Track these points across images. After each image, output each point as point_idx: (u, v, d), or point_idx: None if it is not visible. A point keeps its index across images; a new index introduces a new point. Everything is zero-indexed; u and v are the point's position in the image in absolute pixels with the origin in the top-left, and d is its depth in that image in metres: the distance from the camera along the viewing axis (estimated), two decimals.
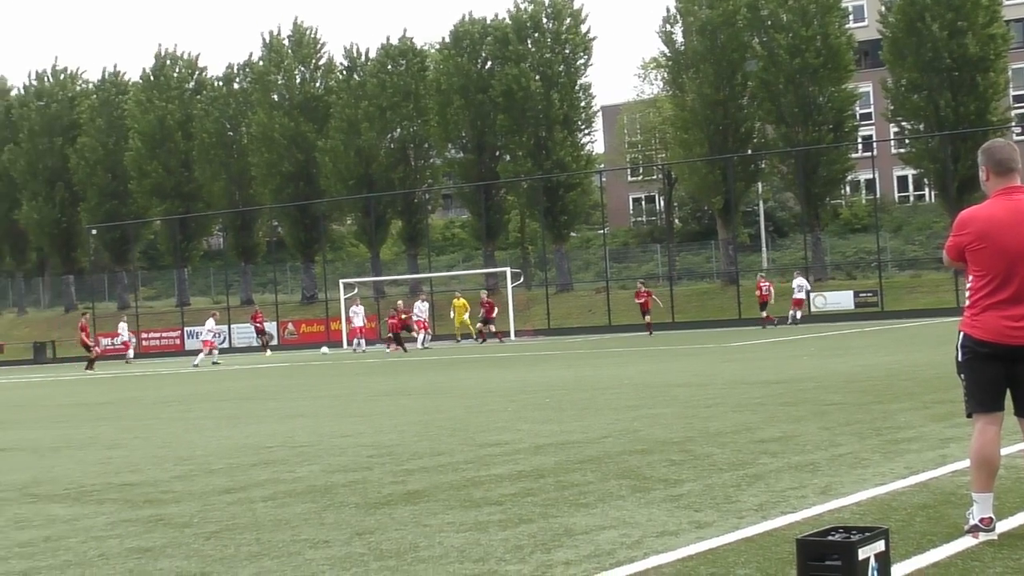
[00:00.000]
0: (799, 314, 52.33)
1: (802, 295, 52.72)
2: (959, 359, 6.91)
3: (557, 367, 28.80)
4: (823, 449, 10.79)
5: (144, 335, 71.15)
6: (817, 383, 18.43)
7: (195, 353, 50.44)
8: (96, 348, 51.51)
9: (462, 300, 53.72)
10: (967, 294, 6.91)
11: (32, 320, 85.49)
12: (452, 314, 53.95)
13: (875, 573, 5.46)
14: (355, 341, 52.83)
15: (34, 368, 60.96)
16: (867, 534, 5.56)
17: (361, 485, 10.17)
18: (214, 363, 46.12)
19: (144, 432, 16.87)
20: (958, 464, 9.13)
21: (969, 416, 6.97)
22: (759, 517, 7.68)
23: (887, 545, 5.63)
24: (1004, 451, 9.74)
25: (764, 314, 51.01)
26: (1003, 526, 6.94)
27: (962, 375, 6.93)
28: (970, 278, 6.88)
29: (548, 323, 61.41)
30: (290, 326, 69.06)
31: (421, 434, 14.17)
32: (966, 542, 6.62)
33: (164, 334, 72.29)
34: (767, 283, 52.25)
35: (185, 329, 70.02)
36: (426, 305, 52.12)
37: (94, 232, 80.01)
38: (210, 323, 47.70)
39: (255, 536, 8.02)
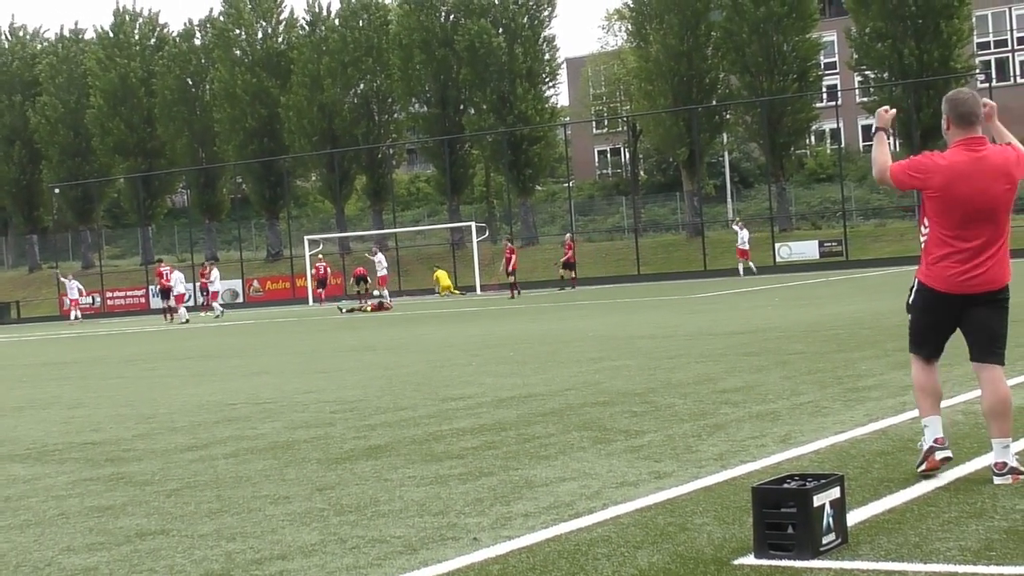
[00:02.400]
0: (752, 265, 52.11)
1: (745, 245, 52.51)
2: (911, 300, 7.11)
3: (522, 321, 28.83)
4: (784, 398, 10.85)
5: (109, 294, 70.76)
6: (780, 333, 18.51)
7: (160, 311, 50.39)
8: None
9: (442, 271, 57.86)
10: (922, 242, 6.99)
11: None
12: (436, 289, 56.44)
13: (830, 520, 5.49)
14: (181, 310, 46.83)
15: None
16: (822, 481, 5.59)
17: (323, 441, 10.17)
18: (216, 316, 46.88)
19: (108, 391, 16.81)
20: (917, 411, 9.16)
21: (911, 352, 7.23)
22: (718, 467, 7.72)
23: (843, 492, 5.67)
24: (961, 397, 9.88)
25: (570, 274, 51.21)
26: (958, 471, 7.01)
27: (911, 314, 7.17)
28: (926, 225, 6.95)
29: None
30: (255, 283, 68.84)
31: (384, 389, 14.17)
32: (922, 488, 6.66)
33: (129, 293, 71.88)
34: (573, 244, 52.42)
35: (150, 287, 69.63)
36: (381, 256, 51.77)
37: (56, 191, 79.32)
38: (215, 274, 49.24)
39: (216, 493, 8.01)
